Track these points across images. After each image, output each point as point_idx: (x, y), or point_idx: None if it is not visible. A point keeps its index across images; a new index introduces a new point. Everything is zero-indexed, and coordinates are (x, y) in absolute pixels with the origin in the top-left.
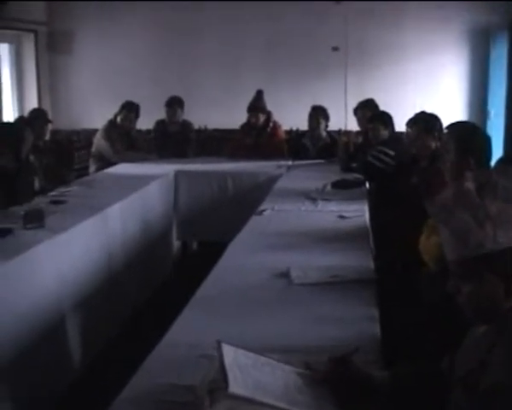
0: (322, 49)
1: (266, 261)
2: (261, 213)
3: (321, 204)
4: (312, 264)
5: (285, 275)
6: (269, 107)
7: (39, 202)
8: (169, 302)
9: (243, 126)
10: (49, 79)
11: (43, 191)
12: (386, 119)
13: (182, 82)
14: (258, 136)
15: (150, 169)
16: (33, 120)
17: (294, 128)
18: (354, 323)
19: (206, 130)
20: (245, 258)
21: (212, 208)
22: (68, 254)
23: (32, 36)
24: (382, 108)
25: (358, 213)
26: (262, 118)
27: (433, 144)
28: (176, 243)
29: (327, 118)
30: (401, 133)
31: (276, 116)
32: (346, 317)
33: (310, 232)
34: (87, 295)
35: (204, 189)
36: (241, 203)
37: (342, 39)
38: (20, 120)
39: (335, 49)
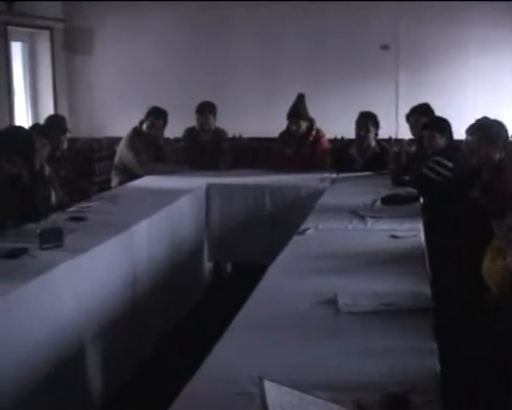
0: (370, 49)
1: (310, 287)
2: (303, 232)
3: (370, 222)
4: (362, 290)
5: (332, 302)
6: (311, 113)
7: (57, 218)
8: (200, 331)
9: (282, 135)
10: (67, 81)
11: (60, 207)
12: (444, 125)
13: (214, 86)
14: (299, 145)
15: (179, 182)
16: (49, 128)
17: (339, 137)
18: (410, 357)
19: (240, 139)
20: (286, 283)
21: (247, 226)
22: (89, 277)
23: (47, 34)
24: (438, 113)
25: (412, 232)
26: (303, 125)
27: (497, 155)
28: (208, 265)
29: (376, 125)
30: (460, 142)
31: (320, 123)
32: (400, 350)
33: (358, 254)
34: (109, 323)
35: (239, 204)
36: (280, 221)
37: (392, 37)
38: (35, 127)
39: (385, 47)
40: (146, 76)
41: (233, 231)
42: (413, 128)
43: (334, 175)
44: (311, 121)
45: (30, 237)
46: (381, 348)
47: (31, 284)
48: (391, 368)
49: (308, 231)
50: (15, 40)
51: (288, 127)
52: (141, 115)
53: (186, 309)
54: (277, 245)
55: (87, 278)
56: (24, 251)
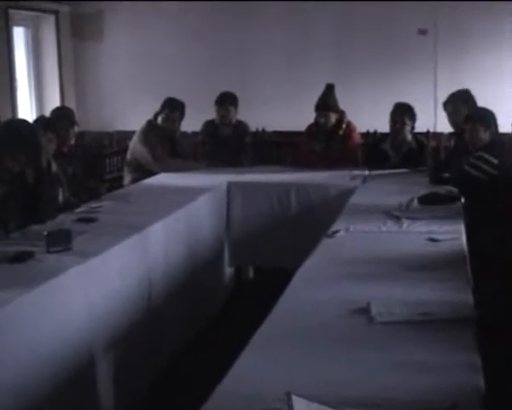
0: (405, 34)
1: (341, 294)
2: (333, 234)
3: (406, 224)
4: (397, 298)
5: (364, 311)
6: (341, 105)
7: (65, 219)
8: (221, 342)
9: (310, 128)
10: (74, 70)
11: (68, 207)
12: (488, 117)
13: (235, 75)
14: (328, 140)
15: (198, 180)
16: (56, 122)
17: (372, 130)
18: (450, 372)
19: (264, 133)
20: (315, 290)
21: (271, 228)
22: (100, 283)
23: (52, 18)
24: (481, 104)
25: (453, 234)
26: (333, 118)
27: None
28: (228, 270)
29: (413, 118)
30: (505, 135)
31: (350, 116)
32: (439, 364)
33: (393, 259)
34: (122, 334)
35: (262, 204)
36: (307, 222)
37: (430, 20)
38: (40, 121)
39: (422, 32)
40: (161, 64)
41: (256, 233)
42: (451, 116)
43: (366, 172)
44: (340, 114)
45: (36, 240)
46: (417, 362)
47: (37, 291)
48: (429, 384)
49: (338, 234)
50: (18, 25)
51: (315, 120)
52: (155, 107)
53: (205, 318)
54: (304, 249)
55: (98, 285)
56: (29, 255)
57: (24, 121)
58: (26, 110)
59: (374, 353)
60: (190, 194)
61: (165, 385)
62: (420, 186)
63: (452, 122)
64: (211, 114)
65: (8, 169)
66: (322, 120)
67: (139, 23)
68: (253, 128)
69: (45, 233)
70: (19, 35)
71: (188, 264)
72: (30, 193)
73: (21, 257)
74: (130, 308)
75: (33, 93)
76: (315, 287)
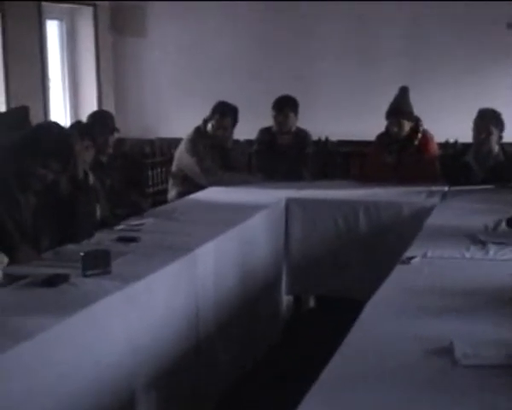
0: (491, 28)
1: (419, 330)
2: (408, 260)
3: (493, 250)
4: (484, 337)
5: (446, 352)
6: (416, 111)
7: (102, 238)
8: (276, 379)
9: (380, 138)
10: (113, 68)
11: (106, 224)
12: None
13: (293, 77)
14: (401, 151)
15: (252, 196)
16: (94, 127)
17: (452, 140)
18: None
19: (327, 142)
20: (388, 325)
21: (336, 252)
22: (142, 311)
23: (89, 10)
24: None
25: None
26: (407, 126)
27: None
28: (286, 299)
29: (500, 126)
30: None
31: (427, 124)
32: None
33: (478, 290)
34: (167, 369)
35: (326, 224)
36: (377, 246)
37: None
38: (76, 126)
39: None
40: (211, 63)
41: (318, 257)
42: None
43: (445, 189)
44: (416, 121)
45: (70, 262)
46: None
47: (71, 320)
48: None
49: (414, 260)
50: (51, 18)
51: (387, 128)
52: (205, 112)
53: (259, 352)
54: (374, 277)
55: (140, 313)
56: (63, 278)
57: (54, 124)
58: (60, 113)
59: (458, 400)
60: (244, 211)
61: None
62: (509, 206)
63: None
64: (267, 120)
65: (39, 178)
66: (395, 129)
67: (187, 16)
68: (315, 137)
69: (81, 254)
70: (52, 29)
71: (240, 291)
72: (64, 207)
73: (54, 280)
74: (176, 340)
75: (68, 94)
76: (388, 321)
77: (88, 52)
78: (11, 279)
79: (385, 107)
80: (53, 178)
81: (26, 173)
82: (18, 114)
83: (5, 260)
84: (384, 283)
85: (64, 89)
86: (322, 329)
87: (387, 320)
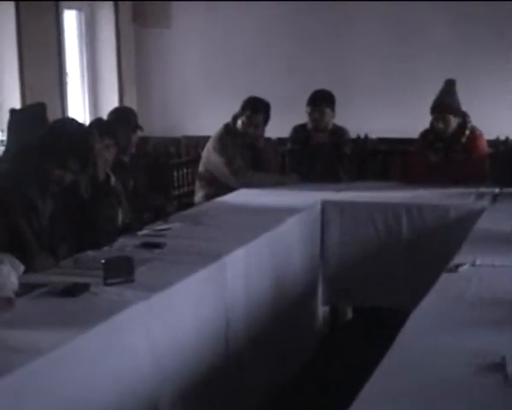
0: None
1: (467, 344)
2: (456, 268)
3: None
4: None
5: (497, 367)
6: (463, 106)
7: (125, 244)
8: (312, 396)
9: (424, 135)
10: (136, 62)
11: (129, 229)
12: None
13: (330, 71)
14: (447, 150)
15: (286, 198)
16: (115, 125)
17: (502, 138)
18: None
19: (367, 140)
20: (433, 338)
21: (376, 259)
22: (167, 323)
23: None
24: None
25: None
26: (453, 122)
27: None
28: (322, 309)
29: None
30: None
31: (475, 120)
32: None
33: None
34: (194, 383)
35: (365, 229)
36: (422, 252)
37: None
38: (96, 124)
39: None
40: (241, 56)
41: (356, 264)
42: None
43: (495, 190)
44: (463, 117)
45: (91, 269)
46: None
47: (92, 333)
48: None
49: (462, 268)
50: (69, 8)
51: (431, 125)
52: (234, 108)
53: (293, 367)
54: (418, 285)
55: (165, 325)
56: (84, 288)
57: (72, 120)
58: (78, 111)
59: None
60: (277, 215)
61: None
62: None
63: None
64: (302, 117)
65: (57, 180)
66: (440, 125)
67: (214, 8)
68: (353, 134)
69: (102, 261)
70: (71, 20)
71: (273, 301)
72: (84, 211)
73: (73, 290)
74: (204, 355)
75: (87, 90)
76: (434, 334)
77: (108, 44)
78: (28, 288)
79: (429, 101)
80: (71, 179)
81: (44, 175)
82: (34, 111)
83: (21, 267)
84: (429, 292)
85: (83, 84)
86: (362, 342)
87: (433, 333)
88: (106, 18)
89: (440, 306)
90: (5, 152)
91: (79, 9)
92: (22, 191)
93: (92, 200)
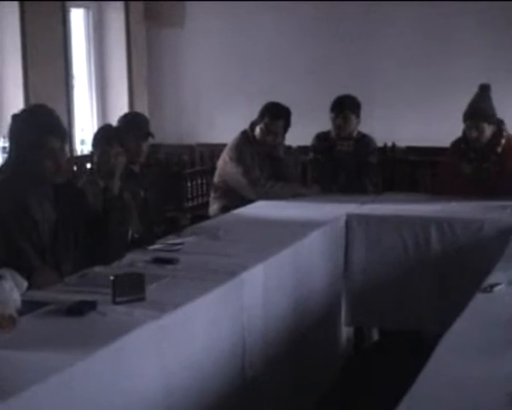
0: None
1: (503, 372)
2: (490, 288)
3: None
4: None
5: None
6: (499, 113)
7: (135, 260)
8: None
9: (457, 144)
10: (147, 64)
11: (140, 243)
12: None
13: (354, 75)
14: (481, 160)
15: (308, 211)
16: (125, 132)
17: None
18: None
19: (394, 149)
20: (467, 364)
21: (404, 277)
22: (180, 345)
23: None
24: None
25: None
26: (488, 131)
27: None
28: (346, 331)
29: None
30: None
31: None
32: None
33: None
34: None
35: (392, 244)
36: (453, 271)
37: None
38: (105, 130)
39: None
40: (259, 58)
41: (383, 282)
42: None
43: None
44: (498, 124)
45: (98, 287)
46: None
47: (99, 355)
48: None
49: (497, 288)
50: (76, 6)
51: (464, 133)
52: (252, 114)
53: (316, 393)
54: (449, 307)
55: (177, 347)
56: (90, 306)
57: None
58: (86, 116)
59: None
60: (297, 229)
61: None
62: None
63: None
64: (325, 123)
65: (46, 172)
66: (474, 134)
67: (232, 4)
68: (379, 143)
69: (111, 278)
70: (78, 18)
71: (293, 322)
72: (92, 224)
73: (79, 308)
74: (219, 379)
75: (94, 93)
76: (467, 359)
77: (118, 45)
78: (31, 306)
79: (462, 108)
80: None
81: (37, 169)
82: None
83: (24, 284)
84: (461, 314)
85: (90, 88)
86: (389, 366)
87: (466, 358)
88: (115, 17)
89: (474, 329)
90: (7, 159)
91: (87, 8)
92: (18, 200)
93: (104, 212)
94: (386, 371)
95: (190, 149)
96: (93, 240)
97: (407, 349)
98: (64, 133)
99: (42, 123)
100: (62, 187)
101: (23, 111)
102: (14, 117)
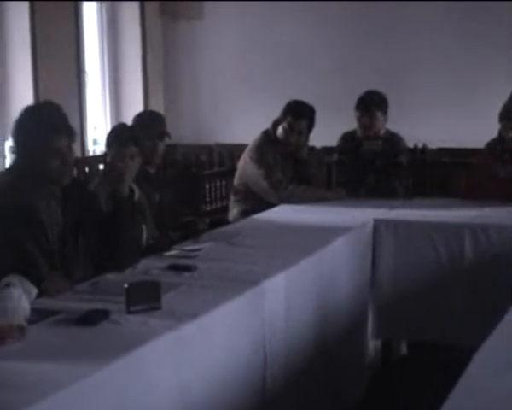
0: None
1: None
2: None
3: None
4: None
5: None
6: None
7: (150, 267)
8: None
9: (491, 146)
10: (164, 59)
11: (155, 249)
12: None
13: (381, 71)
14: None
15: (333, 216)
16: (140, 131)
17: None
18: None
19: (425, 151)
20: (503, 382)
21: (435, 286)
22: (198, 356)
23: None
24: None
25: None
26: None
27: None
28: (373, 343)
29: None
30: None
31: None
32: None
33: None
34: None
35: (422, 252)
36: (488, 280)
37: None
38: (119, 130)
39: None
40: (282, 54)
41: (412, 292)
42: None
43: None
44: None
45: (111, 295)
46: None
47: (112, 366)
48: None
49: None
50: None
51: (500, 134)
52: (274, 113)
53: (342, 405)
54: (484, 319)
55: (195, 359)
56: (103, 315)
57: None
58: (99, 114)
59: None
60: (322, 235)
61: None
62: None
63: None
64: (350, 122)
65: (53, 171)
66: (510, 135)
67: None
68: (409, 144)
69: (125, 285)
70: (91, 12)
71: (317, 332)
72: (104, 228)
73: (92, 318)
74: (237, 393)
75: (108, 91)
76: (503, 377)
77: (133, 40)
78: (41, 315)
79: (498, 107)
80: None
81: (43, 170)
82: None
83: (34, 291)
84: (496, 327)
85: (103, 85)
86: (418, 381)
87: (502, 376)
88: (130, 10)
89: (510, 343)
90: (14, 160)
91: (100, 1)
92: (25, 201)
93: (113, 216)
94: (415, 387)
95: (208, 149)
96: (104, 245)
97: (437, 365)
98: (71, 130)
99: (47, 121)
100: (71, 189)
101: (27, 109)
102: (19, 116)
